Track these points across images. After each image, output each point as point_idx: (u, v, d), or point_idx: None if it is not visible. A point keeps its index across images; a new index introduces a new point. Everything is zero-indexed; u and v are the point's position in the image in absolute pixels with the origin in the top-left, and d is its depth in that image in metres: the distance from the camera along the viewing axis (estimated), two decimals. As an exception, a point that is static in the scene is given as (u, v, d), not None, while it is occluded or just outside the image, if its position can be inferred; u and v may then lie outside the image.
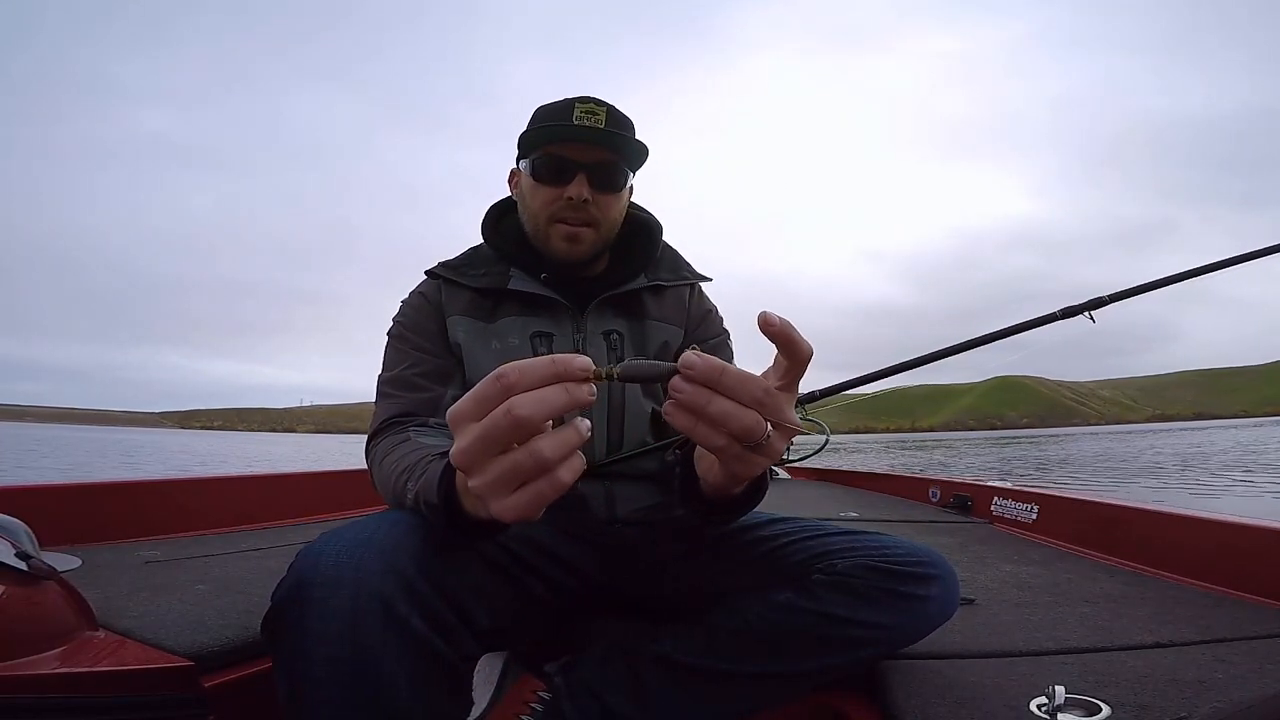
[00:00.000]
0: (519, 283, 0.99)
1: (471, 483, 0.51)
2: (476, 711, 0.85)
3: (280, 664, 0.63)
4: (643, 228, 1.08)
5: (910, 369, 1.02)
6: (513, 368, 0.48)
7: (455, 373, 0.98)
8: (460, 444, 0.50)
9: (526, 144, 0.97)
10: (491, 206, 1.08)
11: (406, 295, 1.05)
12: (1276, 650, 0.99)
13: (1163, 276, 1.09)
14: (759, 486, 0.74)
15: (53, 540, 1.45)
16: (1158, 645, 1.01)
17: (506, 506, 0.50)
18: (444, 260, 1.05)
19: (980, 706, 0.79)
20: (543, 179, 0.95)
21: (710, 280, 1.12)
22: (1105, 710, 0.76)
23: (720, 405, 0.51)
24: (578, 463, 0.51)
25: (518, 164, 1.00)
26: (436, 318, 1.00)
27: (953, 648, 0.98)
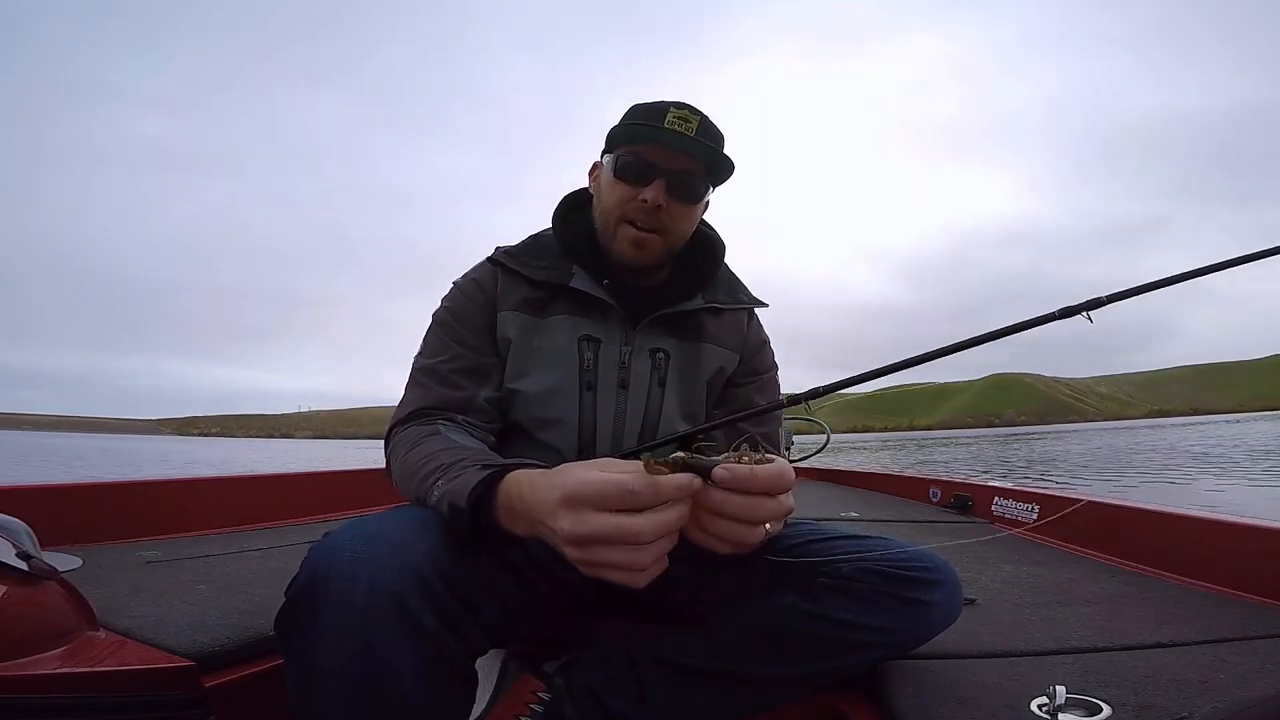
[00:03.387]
0: (580, 282, 0.97)
1: (573, 553, 0.59)
2: (476, 711, 0.85)
3: (292, 658, 0.64)
4: (707, 246, 1.06)
5: (911, 366, 1.02)
6: (648, 488, 0.56)
7: (494, 372, 0.96)
8: (577, 529, 0.57)
9: (614, 140, 0.95)
10: (565, 197, 1.06)
11: (460, 277, 1.02)
12: (1277, 650, 0.98)
13: (1161, 278, 1.09)
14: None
15: (53, 540, 1.45)
16: (1159, 645, 1.01)
17: (592, 574, 0.59)
18: (505, 247, 1.02)
19: (981, 706, 0.79)
20: (622, 177, 0.93)
21: (766, 306, 1.10)
22: (1106, 710, 0.76)
23: (722, 526, 0.60)
24: (656, 570, 0.59)
25: (602, 157, 0.98)
26: (486, 311, 0.97)
27: (953, 648, 0.97)
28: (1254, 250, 1.12)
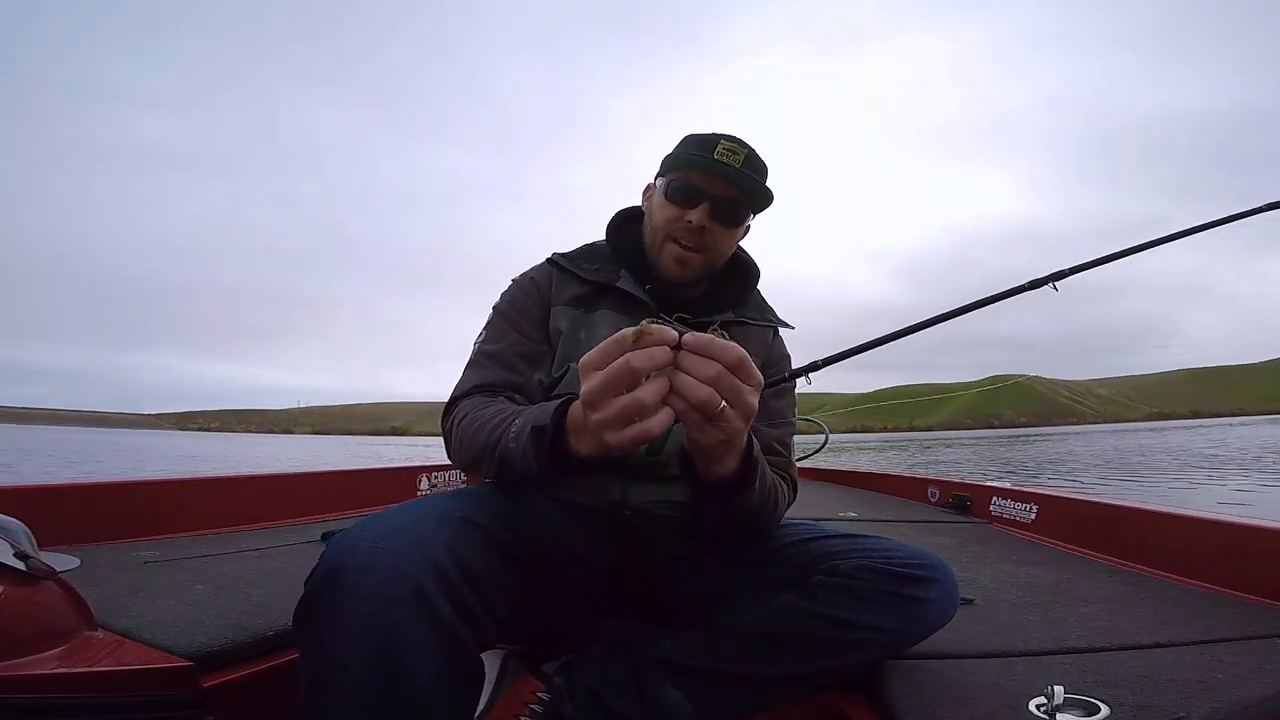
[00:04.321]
0: (625, 284, 1.06)
1: (594, 417, 0.64)
2: (475, 711, 0.85)
3: (308, 650, 0.64)
4: (743, 269, 1.14)
5: (902, 337, 1.10)
6: (628, 331, 0.63)
7: (546, 359, 1.04)
8: (587, 386, 0.64)
9: (668, 165, 1.04)
10: (619, 211, 1.15)
11: (518, 275, 1.11)
12: (1276, 650, 0.99)
13: (1119, 250, 1.19)
14: (746, 475, 0.79)
15: (52, 540, 1.45)
16: (1157, 645, 1.01)
17: (619, 438, 0.63)
18: (562, 251, 1.12)
19: (980, 706, 0.79)
20: (673, 199, 1.02)
21: (793, 328, 1.17)
22: (1104, 710, 0.77)
23: (680, 379, 0.63)
24: (665, 417, 0.63)
25: (655, 180, 1.08)
26: (541, 305, 1.07)
27: (952, 648, 0.98)
28: (1208, 220, 1.22)
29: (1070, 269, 1.11)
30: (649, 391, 0.62)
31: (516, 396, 0.98)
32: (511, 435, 0.80)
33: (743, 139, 1.00)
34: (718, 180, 1.00)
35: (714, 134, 1.01)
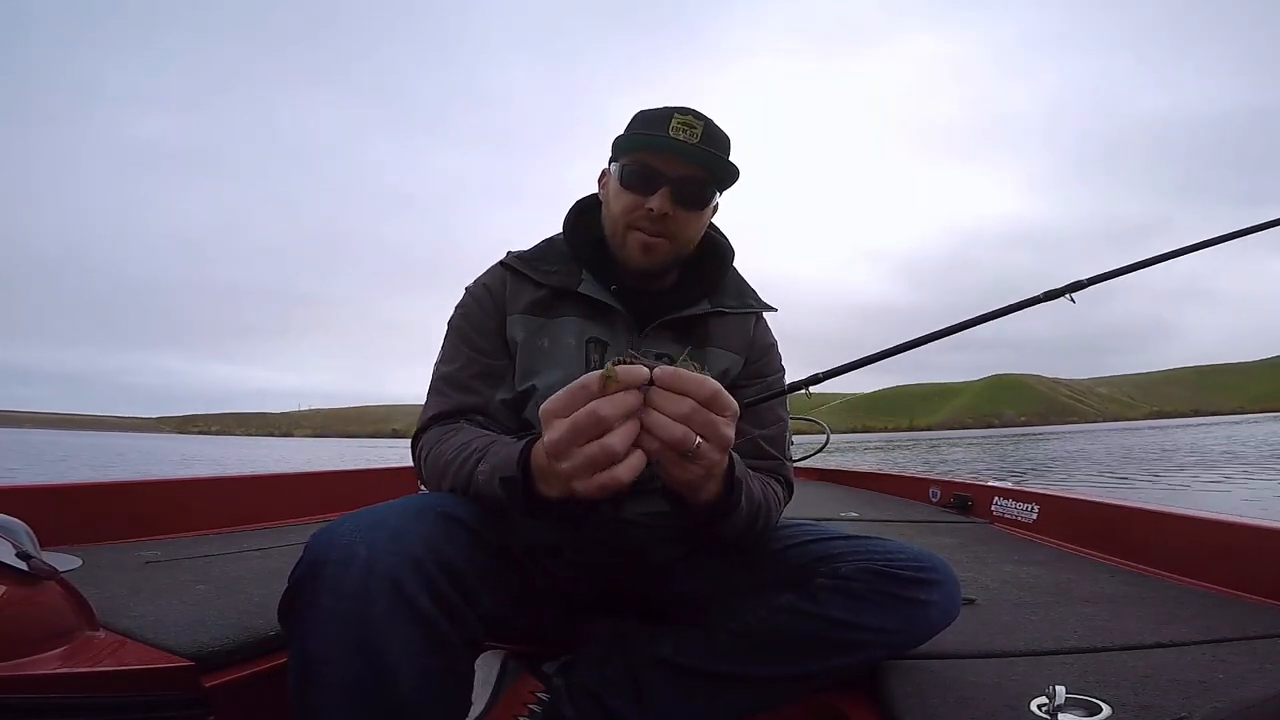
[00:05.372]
0: (589, 287, 0.98)
1: (561, 466, 0.62)
2: (475, 711, 0.85)
3: (292, 645, 0.64)
4: (715, 250, 1.06)
5: (902, 352, 1.06)
6: (599, 379, 0.60)
7: (507, 374, 0.97)
8: (552, 436, 0.61)
9: (619, 148, 0.95)
10: (576, 202, 1.06)
11: (471, 283, 1.04)
12: (1277, 650, 0.99)
13: (1137, 260, 1.14)
14: (730, 497, 0.77)
15: (53, 540, 1.45)
16: (1158, 645, 1.01)
17: (588, 486, 0.61)
18: (517, 251, 1.04)
19: (981, 706, 0.79)
20: (629, 186, 0.93)
21: (775, 310, 1.10)
22: (1106, 710, 0.76)
23: (652, 418, 0.61)
24: (636, 461, 0.61)
25: (609, 165, 0.99)
26: (496, 315, 0.99)
27: (953, 647, 0.97)
28: (1240, 233, 1.18)
29: (1088, 279, 1.06)
30: (618, 438, 0.59)
31: (478, 418, 0.93)
32: (480, 481, 0.77)
33: (698, 110, 0.91)
34: (675, 160, 0.91)
35: (666, 108, 0.92)
